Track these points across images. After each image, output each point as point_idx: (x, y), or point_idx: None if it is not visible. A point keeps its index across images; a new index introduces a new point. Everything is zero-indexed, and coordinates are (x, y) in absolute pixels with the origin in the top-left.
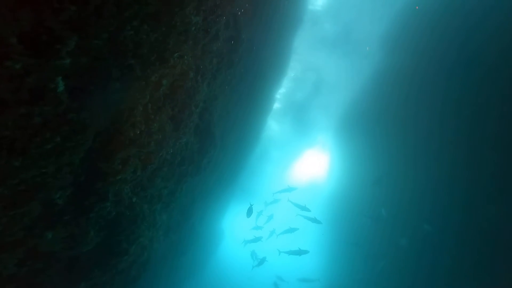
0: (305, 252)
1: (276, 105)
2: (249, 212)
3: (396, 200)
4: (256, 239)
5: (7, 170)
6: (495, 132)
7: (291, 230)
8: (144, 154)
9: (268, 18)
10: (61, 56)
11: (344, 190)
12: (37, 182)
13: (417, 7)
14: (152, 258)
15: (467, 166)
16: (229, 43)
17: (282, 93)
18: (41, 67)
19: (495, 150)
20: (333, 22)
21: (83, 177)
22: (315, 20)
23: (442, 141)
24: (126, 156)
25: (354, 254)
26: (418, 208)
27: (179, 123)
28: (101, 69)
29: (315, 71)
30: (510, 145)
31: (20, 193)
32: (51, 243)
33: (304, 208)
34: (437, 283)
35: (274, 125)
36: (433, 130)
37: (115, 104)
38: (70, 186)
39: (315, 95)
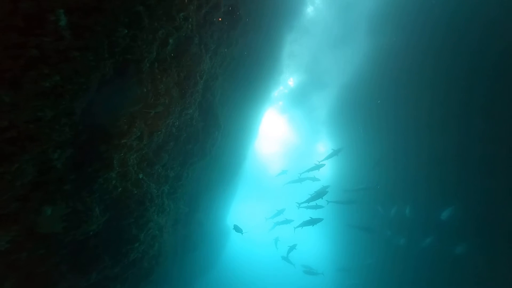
0: (371, 230)
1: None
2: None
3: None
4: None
5: None
6: (485, 109)
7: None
8: (150, 118)
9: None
10: None
11: (341, 175)
12: (31, 130)
13: None
14: (163, 251)
15: (458, 145)
16: (229, 17)
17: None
18: None
19: (485, 128)
20: (323, 8)
21: (84, 136)
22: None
23: (433, 119)
24: (131, 113)
25: (344, 245)
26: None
27: (185, 90)
28: (108, 11)
29: (307, 59)
30: (499, 121)
31: (9, 141)
32: (51, 222)
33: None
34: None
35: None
36: (423, 109)
37: (121, 52)
38: (70, 145)
39: (310, 83)
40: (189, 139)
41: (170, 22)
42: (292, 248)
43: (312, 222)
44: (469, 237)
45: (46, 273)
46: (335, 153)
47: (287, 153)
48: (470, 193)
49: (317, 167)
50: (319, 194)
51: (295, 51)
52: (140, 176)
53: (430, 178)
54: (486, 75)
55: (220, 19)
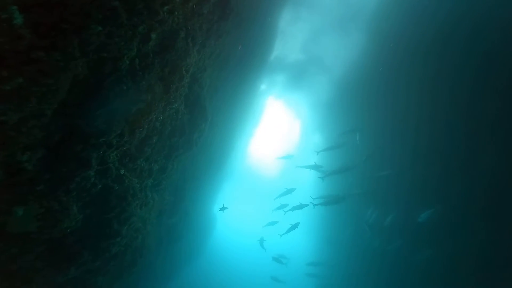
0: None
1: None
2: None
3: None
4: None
5: None
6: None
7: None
8: (131, 115)
9: None
10: None
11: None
12: None
13: None
14: (147, 242)
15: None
16: (219, 8)
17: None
18: None
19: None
20: None
21: (57, 136)
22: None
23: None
24: (110, 112)
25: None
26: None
27: (169, 85)
28: (76, 7)
29: (306, 38)
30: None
31: None
32: (24, 222)
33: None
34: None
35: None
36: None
37: (96, 50)
38: (41, 146)
39: (307, 64)
40: (174, 132)
41: (152, 16)
42: (294, 227)
43: (337, 199)
44: (439, 240)
45: (19, 270)
46: (351, 131)
47: (283, 144)
48: (450, 196)
49: (337, 145)
50: (346, 168)
51: (293, 30)
52: (122, 172)
53: (413, 180)
54: (472, 75)
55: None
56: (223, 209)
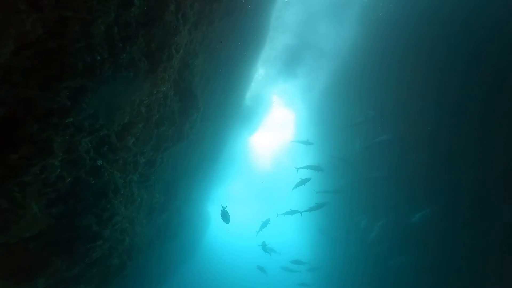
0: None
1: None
2: (224, 216)
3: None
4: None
5: None
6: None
7: None
8: (108, 93)
9: None
10: None
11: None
12: None
13: None
14: (137, 244)
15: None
16: None
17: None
18: None
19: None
20: None
21: (1, 113)
22: None
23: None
24: (77, 87)
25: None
26: None
27: (156, 63)
28: None
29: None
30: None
31: None
32: None
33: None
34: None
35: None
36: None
37: (54, 7)
38: None
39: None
40: (163, 121)
41: None
42: (319, 206)
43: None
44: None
45: None
46: (369, 116)
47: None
48: (436, 199)
49: (361, 121)
50: (382, 142)
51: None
52: (99, 163)
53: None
54: (461, 71)
55: None
56: (225, 216)
